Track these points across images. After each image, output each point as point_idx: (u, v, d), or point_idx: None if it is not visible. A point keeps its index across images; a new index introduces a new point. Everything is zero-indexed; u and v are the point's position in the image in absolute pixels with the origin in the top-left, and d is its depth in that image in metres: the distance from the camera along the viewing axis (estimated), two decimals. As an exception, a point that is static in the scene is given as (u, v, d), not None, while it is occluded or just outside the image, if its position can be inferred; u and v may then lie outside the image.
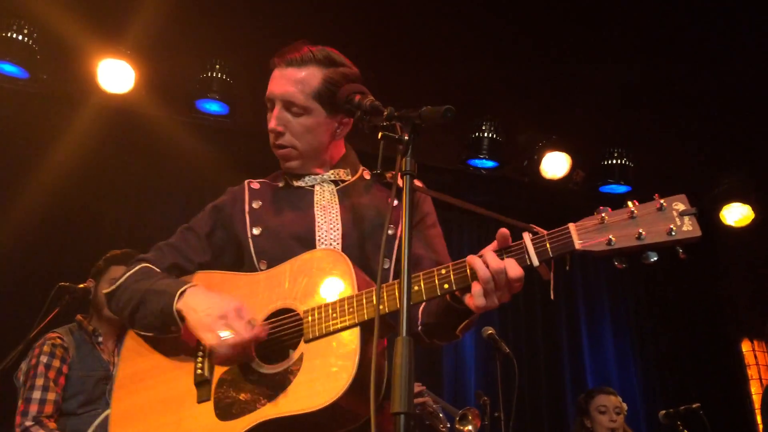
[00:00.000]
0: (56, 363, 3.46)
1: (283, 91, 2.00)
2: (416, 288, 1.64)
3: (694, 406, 4.50)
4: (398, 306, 1.55)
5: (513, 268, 1.54)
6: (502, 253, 1.58)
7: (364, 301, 1.67)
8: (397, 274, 1.93)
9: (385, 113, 1.68)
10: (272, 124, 2.03)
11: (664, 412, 4.68)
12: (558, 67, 5.58)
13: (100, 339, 3.70)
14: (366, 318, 1.65)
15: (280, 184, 2.14)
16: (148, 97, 5.45)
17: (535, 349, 6.84)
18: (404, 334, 1.36)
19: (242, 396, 1.73)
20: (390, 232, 1.97)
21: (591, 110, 5.92)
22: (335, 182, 2.09)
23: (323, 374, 1.64)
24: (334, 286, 1.75)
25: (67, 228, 5.55)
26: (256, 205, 2.06)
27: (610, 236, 1.47)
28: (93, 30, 5.07)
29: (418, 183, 2.06)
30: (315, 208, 2.01)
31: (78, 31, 5.07)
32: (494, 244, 1.62)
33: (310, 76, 2.00)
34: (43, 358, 3.43)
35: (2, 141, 5.57)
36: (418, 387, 4.33)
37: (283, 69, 2.03)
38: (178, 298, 1.80)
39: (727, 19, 5.04)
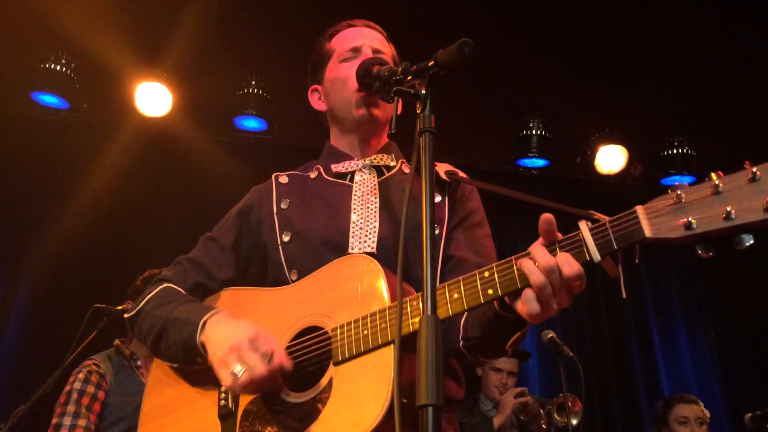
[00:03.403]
0: (90, 389, 3.37)
1: (375, 42, 1.94)
2: (455, 296, 1.40)
3: (784, 406, 4.13)
4: None
5: (568, 264, 1.27)
6: (555, 247, 1.31)
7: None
8: (442, 279, 1.72)
9: (400, 69, 1.51)
10: (371, 56, 1.88)
11: (750, 414, 4.33)
12: (608, 54, 5.28)
13: (139, 363, 3.62)
14: (401, 333, 1.42)
15: (312, 175, 1.95)
16: (186, 118, 5.45)
17: (602, 353, 6.48)
18: (429, 312, 1.17)
19: (268, 430, 1.55)
20: (435, 232, 1.74)
21: (646, 98, 5.58)
22: (378, 170, 1.90)
23: (354, 402, 1.43)
24: (365, 297, 1.53)
25: (110, 252, 5.59)
26: (284, 205, 1.87)
27: (690, 218, 1.18)
28: (129, 55, 5.10)
29: (462, 174, 1.86)
30: (352, 204, 1.80)
31: (115, 57, 5.11)
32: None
33: (386, 43, 2.00)
34: (77, 385, 3.36)
35: (44, 169, 5.69)
36: (519, 388, 4.26)
37: (361, 28, 1.98)
38: (201, 329, 1.63)
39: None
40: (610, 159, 6.01)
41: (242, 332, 1.54)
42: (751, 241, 1.16)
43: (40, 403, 3.16)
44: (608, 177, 6.12)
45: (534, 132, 5.78)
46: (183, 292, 1.82)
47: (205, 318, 1.64)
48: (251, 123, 5.52)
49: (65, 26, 4.85)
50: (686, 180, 5.98)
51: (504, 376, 4.50)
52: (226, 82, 5.47)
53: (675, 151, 5.99)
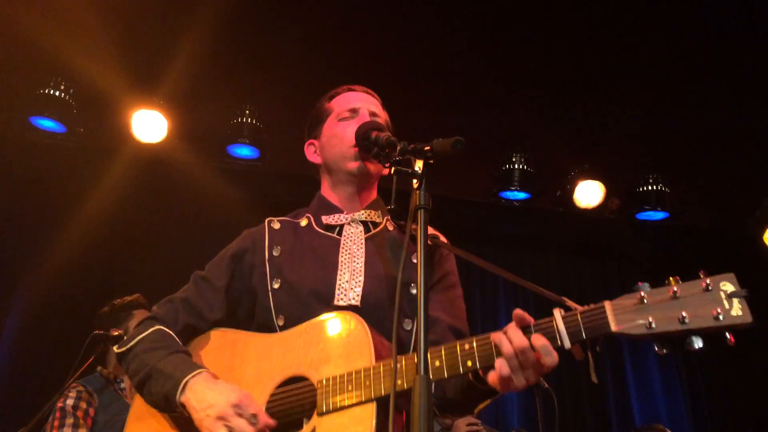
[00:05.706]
0: (83, 405, 3.38)
1: (371, 106, 2.08)
2: (437, 363, 1.52)
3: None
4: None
5: (549, 356, 1.44)
6: (531, 329, 1.47)
7: (382, 373, 1.55)
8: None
9: (399, 147, 1.64)
10: (368, 118, 2.02)
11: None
12: (587, 92, 5.50)
13: (123, 385, 3.63)
14: (383, 393, 1.53)
15: (303, 223, 2.05)
16: (181, 144, 5.56)
17: (577, 383, 6.61)
18: (422, 372, 1.28)
19: None
20: (413, 291, 1.86)
21: (623, 136, 5.81)
22: (365, 225, 2.01)
23: None
24: (350, 354, 1.63)
25: (104, 277, 5.60)
26: (276, 252, 1.96)
27: (650, 318, 1.35)
28: (126, 83, 5.22)
29: (443, 239, 1.99)
30: (340, 258, 1.90)
31: (112, 85, 5.23)
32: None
33: (381, 108, 2.13)
34: (69, 401, 3.35)
35: (40, 193, 5.73)
36: (472, 418, 4.27)
37: (360, 93, 2.12)
38: (182, 389, 1.70)
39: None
40: (588, 194, 6.21)
41: (225, 398, 1.64)
42: (701, 344, 1.33)
43: (37, 428, 3.18)
44: (586, 210, 6.29)
45: (516, 166, 5.99)
46: (173, 336, 1.88)
47: (186, 378, 1.71)
48: (244, 151, 5.67)
49: (65, 54, 4.98)
50: (659, 215, 6.21)
51: None
52: (220, 110, 5.60)
53: (650, 187, 6.21)
